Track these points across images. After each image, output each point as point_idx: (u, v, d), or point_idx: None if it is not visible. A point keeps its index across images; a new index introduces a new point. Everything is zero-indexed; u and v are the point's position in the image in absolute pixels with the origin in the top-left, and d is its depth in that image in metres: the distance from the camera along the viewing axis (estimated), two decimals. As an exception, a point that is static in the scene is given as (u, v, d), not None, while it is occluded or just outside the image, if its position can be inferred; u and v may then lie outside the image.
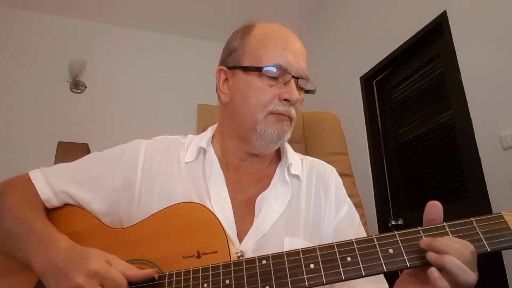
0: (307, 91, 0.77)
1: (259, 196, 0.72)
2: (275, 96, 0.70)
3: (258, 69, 0.70)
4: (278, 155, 0.81)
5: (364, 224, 0.96)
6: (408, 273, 0.55)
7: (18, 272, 0.65)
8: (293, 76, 0.71)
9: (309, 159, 0.83)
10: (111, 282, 0.53)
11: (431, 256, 0.48)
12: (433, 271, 0.48)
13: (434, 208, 0.53)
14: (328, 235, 0.74)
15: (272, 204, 0.71)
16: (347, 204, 0.78)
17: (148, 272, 0.57)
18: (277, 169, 0.78)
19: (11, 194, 0.70)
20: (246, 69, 0.72)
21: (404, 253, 0.49)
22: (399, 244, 0.50)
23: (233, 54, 0.76)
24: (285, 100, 0.70)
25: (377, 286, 0.68)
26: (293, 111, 0.72)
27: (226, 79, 0.77)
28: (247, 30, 0.77)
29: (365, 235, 0.76)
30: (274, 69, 0.70)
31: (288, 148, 0.81)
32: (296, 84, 0.72)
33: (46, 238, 0.61)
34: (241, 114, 0.73)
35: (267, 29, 0.76)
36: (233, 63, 0.75)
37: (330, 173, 0.81)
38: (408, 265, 0.48)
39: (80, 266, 0.54)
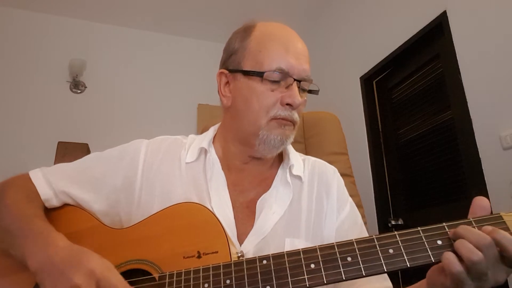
0: (310, 91, 0.76)
1: (260, 198, 0.72)
2: (277, 100, 0.69)
3: (260, 74, 0.69)
4: (280, 156, 0.80)
5: (364, 224, 0.96)
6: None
7: (18, 271, 0.65)
8: (295, 80, 0.70)
9: (311, 159, 0.82)
10: (107, 285, 0.52)
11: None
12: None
13: (481, 201, 0.53)
14: (330, 236, 0.73)
15: (273, 206, 0.71)
16: (349, 205, 0.78)
17: None
18: (279, 171, 0.77)
19: (11, 192, 0.69)
20: (247, 73, 0.71)
21: (404, 253, 0.49)
22: (399, 244, 0.50)
23: (233, 56, 0.74)
24: (287, 104, 0.69)
25: (381, 286, 0.67)
26: (295, 115, 0.71)
27: (227, 82, 0.75)
28: (247, 31, 0.75)
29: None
30: (276, 73, 0.69)
31: (290, 149, 0.80)
32: (299, 86, 0.70)
33: (44, 235, 0.60)
34: (243, 119, 0.72)
35: (267, 29, 0.74)
36: (233, 66, 0.74)
37: (332, 173, 0.80)
38: (408, 265, 0.48)
39: (78, 265, 0.53)
